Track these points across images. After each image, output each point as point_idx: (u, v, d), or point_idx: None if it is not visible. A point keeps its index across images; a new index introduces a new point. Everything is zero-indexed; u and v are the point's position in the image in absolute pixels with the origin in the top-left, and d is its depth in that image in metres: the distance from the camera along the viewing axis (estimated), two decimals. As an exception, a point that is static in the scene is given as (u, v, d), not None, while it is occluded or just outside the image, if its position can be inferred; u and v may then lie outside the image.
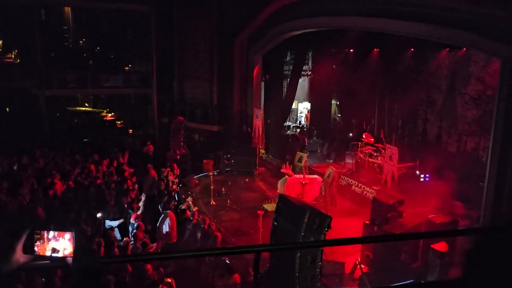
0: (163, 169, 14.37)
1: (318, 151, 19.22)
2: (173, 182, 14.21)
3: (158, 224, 10.54)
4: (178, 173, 15.29)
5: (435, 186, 12.65)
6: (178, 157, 17.68)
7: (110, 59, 24.97)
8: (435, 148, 15.82)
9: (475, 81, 15.22)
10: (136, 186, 13.04)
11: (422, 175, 13.91)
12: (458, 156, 15.38)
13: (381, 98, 18.10)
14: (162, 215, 10.60)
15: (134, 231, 9.71)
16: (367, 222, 10.92)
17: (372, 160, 14.89)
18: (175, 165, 15.68)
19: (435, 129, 16.80)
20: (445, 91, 16.42)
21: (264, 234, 10.93)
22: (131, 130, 24.73)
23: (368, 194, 13.94)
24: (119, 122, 25.74)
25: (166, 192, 12.86)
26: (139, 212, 10.92)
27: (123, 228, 10.42)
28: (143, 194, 12.53)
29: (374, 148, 15.06)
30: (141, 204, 11.66)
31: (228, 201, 14.29)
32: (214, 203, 14.55)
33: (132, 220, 10.26)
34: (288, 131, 21.35)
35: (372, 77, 17.62)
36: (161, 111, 22.82)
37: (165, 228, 10.38)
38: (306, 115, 23.21)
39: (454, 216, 11.05)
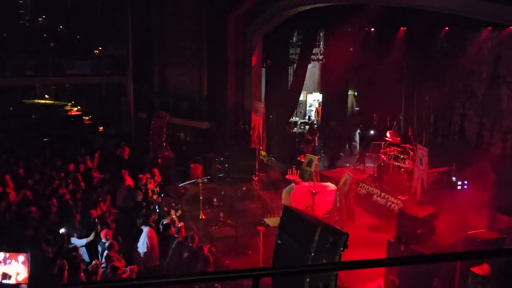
0: (140, 176, 14.36)
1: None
2: (153, 191, 14.19)
3: (134, 243, 10.50)
4: (159, 181, 15.27)
5: (475, 196, 12.61)
6: (160, 160, 17.67)
7: (76, 41, 24.98)
8: (474, 149, 15.81)
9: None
10: (108, 196, 13.01)
11: (459, 182, 13.89)
12: (502, 159, 15.36)
13: (409, 88, 18.09)
14: (140, 232, 10.56)
15: (106, 251, 9.67)
16: (391, 240, 10.89)
17: (398, 164, 14.88)
18: (156, 170, 15.66)
19: (474, 126, 16.78)
20: (486, 79, 16.40)
21: (265, 255, 10.88)
22: (101, 128, 24.74)
23: (393, 205, 13.93)
24: (87, 118, 25.75)
25: (144, 203, 12.84)
26: (111, 229, 10.89)
27: (92, 248, 10.39)
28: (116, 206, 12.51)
29: (401, 149, 15.05)
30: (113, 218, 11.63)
31: (221, 215, 14.27)
32: (204, 216, 14.53)
33: (102, 238, 10.23)
34: (295, 129, 21.34)
35: (398, 62, 17.61)
36: (139, 105, 22.80)
37: (143, 247, 10.35)
38: (316, 108, 23.19)
39: (498, 232, 11.02)
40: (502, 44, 15.73)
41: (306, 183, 14.38)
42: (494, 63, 16.12)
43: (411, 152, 14.41)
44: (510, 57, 15.69)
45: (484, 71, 16.40)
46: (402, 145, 15.12)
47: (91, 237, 10.62)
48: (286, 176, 15.13)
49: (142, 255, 10.39)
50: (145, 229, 10.62)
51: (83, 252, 10.16)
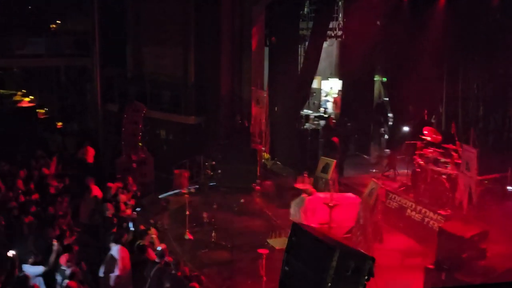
0: (110, 185, 14.39)
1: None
2: (126, 204, 14.22)
3: (102, 267, 10.52)
4: (134, 191, 15.30)
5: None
6: (135, 165, 17.71)
7: (27, 13, 25.00)
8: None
9: None
10: (69, 211, 13.04)
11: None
12: None
13: (452, 73, 18.10)
14: (109, 253, 10.59)
15: (66, 281, 9.70)
16: (430, 266, 10.93)
17: (439, 169, 14.90)
18: (130, 178, 15.70)
19: (536, 120, 16.84)
20: (552, 60, 16.45)
21: (269, 285, 10.94)
22: (60, 123, 24.76)
23: (432, 222, 13.96)
24: (42, 111, 25.75)
25: (115, 220, 12.87)
26: (73, 252, 10.91)
27: (49, 277, 10.41)
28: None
29: (442, 151, 15.08)
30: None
31: (213, 234, 14.31)
32: (191, 237, 14.56)
33: (63, 265, 10.26)
34: (307, 125, 21.38)
35: (438, 40, 17.62)
36: (108, 94, 22.82)
37: (113, 270, 10.38)
38: (334, 99, 23.24)
39: None
40: None
41: (321, 194, 14.40)
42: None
43: (455, 154, 14.43)
44: None
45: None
46: (444, 146, 15.14)
47: (49, 263, 10.62)
48: (295, 185, 15.15)
49: (112, 280, 10.42)
50: (115, 248, 10.64)
51: (40, 282, 10.16)
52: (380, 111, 21.45)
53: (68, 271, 9.93)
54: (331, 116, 21.29)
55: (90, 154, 18.03)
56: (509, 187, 14.07)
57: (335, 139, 18.10)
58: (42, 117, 25.26)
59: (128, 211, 14.00)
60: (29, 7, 25.43)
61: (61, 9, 25.13)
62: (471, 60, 17.61)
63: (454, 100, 18.12)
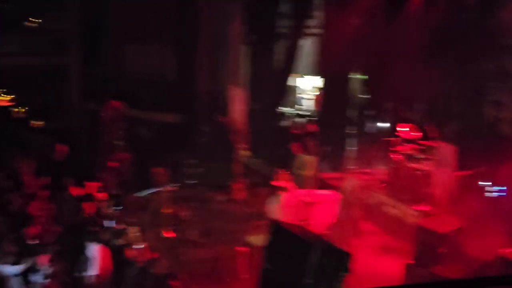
0: (89, 183, 14.30)
1: None
2: (105, 203, 14.13)
3: (82, 267, 10.48)
4: (113, 189, 15.22)
5: (512, 205, 12.82)
6: (114, 163, 17.59)
7: (3, 11, 24.71)
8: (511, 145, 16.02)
9: None
10: (47, 210, 12.93)
11: (492, 188, 14.08)
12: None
13: (429, 68, 18.24)
14: (88, 252, 10.54)
15: (45, 280, 9.64)
16: (408, 261, 11.02)
17: (415, 165, 15.01)
18: (109, 176, 15.60)
19: (511, 116, 17.01)
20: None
21: (249, 282, 10.92)
22: (38, 122, 24.52)
23: (409, 218, 14.06)
24: (19, 109, 25.48)
25: (94, 219, 12.80)
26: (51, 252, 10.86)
27: (27, 278, 10.33)
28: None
29: (418, 147, 15.19)
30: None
31: (193, 232, 14.28)
32: (170, 235, 14.52)
33: (41, 264, 10.19)
34: (285, 122, 21.39)
35: (416, 37, 17.74)
36: (87, 92, 22.66)
37: (91, 270, 10.34)
38: (315, 96, 23.27)
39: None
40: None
41: (300, 191, 14.43)
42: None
43: (432, 151, 14.54)
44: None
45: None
46: (421, 142, 15.25)
47: (26, 263, 10.55)
48: (274, 182, 15.19)
49: (91, 280, 10.36)
50: (94, 247, 10.59)
51: (16, 283, 10.09)
52: (360, 108, 21.54)
53: (47, 271, 9.87)
54: (309, 114, 21.36)
55: (62, 153, 17.83)
56: (485, 182, 14.21)
57: (295, 144, 18.11)
58: (19, 116, 25.00)
59: (108, 210, 13.92)
60: (5, 5, 25.13)
61: (39, 7, 24.88)
62: (448, 57, 17.76)
63: (431, 97, 18.28)
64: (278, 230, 8.08)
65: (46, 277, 9.77)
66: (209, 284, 12.30)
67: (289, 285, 7.47)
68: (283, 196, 14.21)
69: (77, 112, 22.78)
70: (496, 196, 14.03)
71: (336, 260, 7.27)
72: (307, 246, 7.40)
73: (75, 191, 13.88)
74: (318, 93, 22.69)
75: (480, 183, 14.30)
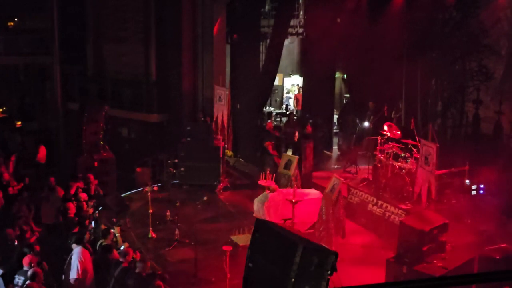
0: (71, 183, 14.21)
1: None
2: (87, 203, 14.05)
3: (65, 269, 10.39)
4: (96, 190, 15.13)
5: (494, 203, 12.91)
6: (96, 164, 17.50)
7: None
8: (492, 144, 16.14)
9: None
10: (30, 211, 12.83)
11: (474, 186, 14.17)
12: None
13: (411, 69, 18.34)
14: (71, 255, 10.45)
15: (27, 282, 9.55)
16: (391, 259, 11.05)
17: (399, 164, 15.08)
18: (91, 176, 15.51)
19: (491, 115, 17.14)
20: (506, 57, 16.78)
21: (233, 282, 10.90)
22: (19, 123, 24.30)
23: (392, 216, 14.12)
24: (0, 110, 25.27)
25: (76, 219, 12.71)
26: (35, 252, 10.75)
27: (9, 279, 10.23)
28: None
29: (402, 146, 15.25)
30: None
31: (177, 232, 14.24)
32: (154, 235, 14.46)
33: (25, 266, 10.09)
34: (269, 121, 21.40)
35: (398, 36, 17.82)
36: (68, 92, 22.53)
37: (73, 273, 10.26)
38: (296, 95, 23.33)
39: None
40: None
41: (284, 190, 14.43)
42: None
43: (415, 150, 14.61)
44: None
45: (503, 46, 16.76)
46: (404, 141, 15.31)
47: (9, 265, 10.45)
48: (259, 182, 15.16)
49: (72, 282, 10.28)
50: (76, 250, 10.52)
51: (0, 284, 10.00)
52: (343, 108, 21.66)
53: (29, 272, 9.77)
54: (292, 113, 21.38)
55: (42, 153, 17.73)
56: (467, 181, 14.31)
57: (269, 124, 18.18)
58: (0, 116, 24.80)
59: (90, 210, 13.84)
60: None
61: (19, 7, 24.69)
62: (429, 57, 17.87)
63: (413, 96, 18.38)
64: (262, 229, 8.04)
65: (29, 278, 9.66)
66: (193, 283, 12.26)
67: (274, 284, 7.43)
68: (268, 196, 14.21)
69: (59, 112, 22.62)
70: (478, 194, 14.14)
71: (320, 259, 7.24)
72: (292, 245, 7.36)
73: (59, 191, 13.79)
74: (299, 92, 22.75)
75: (462, 181, 14.40)
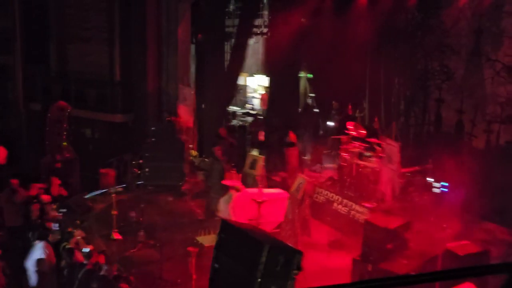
0: (33, 185, 13.97)
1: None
2: (50, 205, 13.84)
3: (28, 264, 10.32)
4: (59, 191, 14.93)
5: (456, 200, 13.08)
6: (59, 165, 17.24)
7: None
8: (454, 142, 16.36)
9: (511, 42, 15.88)
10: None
11: (436, 184, 14.35)
12: (487, 154, 16.00)
13: (374, 68, 18.51)
14: (34, 250, 10.41)
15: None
16: (356, 258, 11.11)
17: (363, 163, 15.19)
18: (54, 178, 15.29)
19: (453, 113, 17.38)
20: (466, 57, 17.03)
21: (199, 283, 10.86)
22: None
23: (357, 215, 14.20)
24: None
25: (39, 221, 12.51)
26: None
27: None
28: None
29: (366, 145, 15.36)
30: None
31: (141, 234, 14.12)
32: (118, 237, 14.31)
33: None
34: (234, 121, 21.36)
35: (361, 36, 17.97)
36: (30, 92, 22.19)
37: (41, 268, 10.21)
38: (261, 95, 23.32)
39: (484, 244, 11.50)
40: (485, 15, 16.36)
41: (250, 190, 14.41)
42: (476, 38, 16.75)
43: (378, 148, 14.73)
44: (493, 30, 16.34)
45: (464, 47, 17.00)
46: (368, 140, 15.43)
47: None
48: (223, 182, 15.12)
49: (38, 277, 10.21)
50: (40, 244, 10.47)
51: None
52: (307, 107, 21.71)
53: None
54: (257, 113, 21.39)
55: (2, 155, 17.36)
56: (429, 179, 14.48)
57: (222, 130, 18.05)
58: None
59: (53, 213, 13.65)
60: None
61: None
62: (392, 56, 18.06)
63: (377, 95, 18.56)
64: (228, 229, 8.00)
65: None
66: (158, 285, 12.17)
67: (240, 284, 7.40)
68: (234, 196, 14.17)
69: (21, 112, 22.27)
70: (441, 191, 14.31)
71: (286, 258, 7.24)
72: (258, 245, 7.34)
73: (21, 193, 13.54)
74: (265, 92, 22.76)
75: (425, 179, 14.57)
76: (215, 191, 15.27)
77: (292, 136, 16.89)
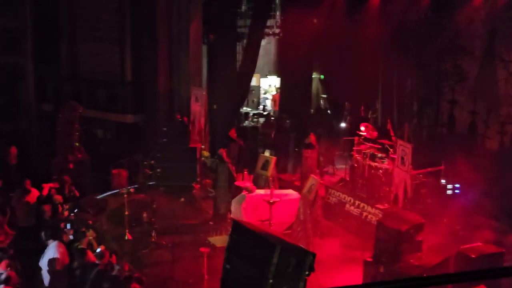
0: (44, 185, 14.06)
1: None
2: (62, 205, 13.91)
3: (41, 263, 10.36)
4: (71, 192, 15.00)
5: (469, 202, 13.04)
6: (71, 165, 17.34)
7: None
8: (467, 144, 16.31)
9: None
10: (3, 213, 12.66)
11: (449, 186, 14.32)
12: (501, 155, 15.93)
13: (388, 70, 18.49)
14: (47, 249, 10.48)
15: (1, 286, 9.45)
16: (369, 259, 11.10)
17: (376, 164, 15.17)
18: (67, 178, 15.37)
19: (466, 115, 17.33)
20: (480, 58, 16.97)
21: (211, 284, 10.91)
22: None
23: (370, 216, 14.20)
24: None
25: (52, 221, 12.58)
26: (9, 256, 10.63)
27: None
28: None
29: (378, 146, 15.35)
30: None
31: (153, 234, 14.17)
32: (130, 237, 14.36)
33: (1, 269, 9.98)
34: (246, 122, 21.39)
35: (374, 37, 17.95)
36: (42, 93, 22.29)
37: (54, 267, 10.26)
38: (273, 96, 23.36)
39: (498, 246, 11.44)
40: (499, 16, 16.29)
41: (262, 191, 14.43)
42: (489, 38, 16.69)
43: (391, 150, 14.71)
44: (508, 31, 16.27)
45: (477, 47, 16.94)
46: (380, 141, 15.41)
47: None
48: (236, 183, 15.14)
49: (51, 276, 10.27)
50: (53, 244, 10.53)
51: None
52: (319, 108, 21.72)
53: (2, 276, 9.67)
54: (270, 114, 21.41)
55: (12, 154, 17.50)
56: (442, 180, 14.45)
57: (238, 141, 17.87)
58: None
59: (65, 213, 13.72)
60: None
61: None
62: (405, 57, 18.02)
63: (389, 96, 18.53)
64: (239, 230, 8.03)
65: (3, 281, 9.54)
66: (170, 285, 12.20)
67: (251, 285, 7.42)
68: (246, 196, 14.21)
69: (33, 113, 22.38)
70: (454, 193, 14.27)
71: (298, 259, 7.25)
72: (269, 246, 7.36)
73: (34, 193, 13.64)
74: (277, 93, 22.79)
75: (437, 180, 14.54)
76: (221, 194, 15.34)
77: (312, 138, 16.80)
